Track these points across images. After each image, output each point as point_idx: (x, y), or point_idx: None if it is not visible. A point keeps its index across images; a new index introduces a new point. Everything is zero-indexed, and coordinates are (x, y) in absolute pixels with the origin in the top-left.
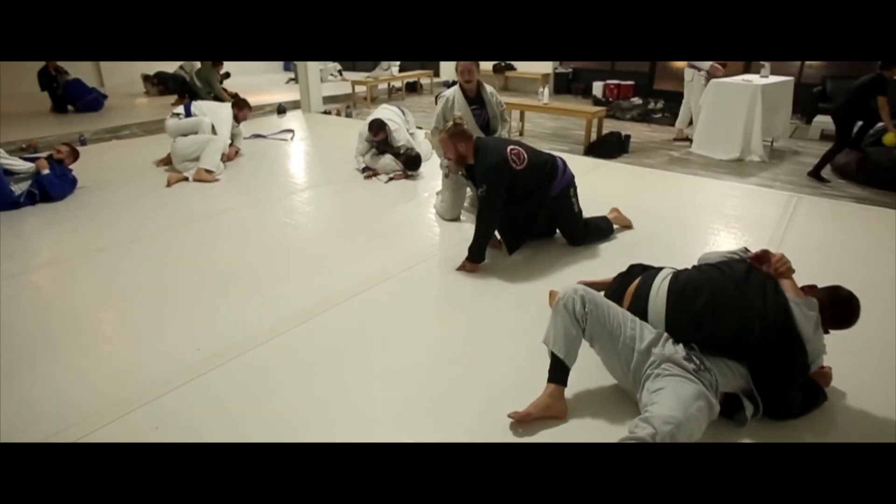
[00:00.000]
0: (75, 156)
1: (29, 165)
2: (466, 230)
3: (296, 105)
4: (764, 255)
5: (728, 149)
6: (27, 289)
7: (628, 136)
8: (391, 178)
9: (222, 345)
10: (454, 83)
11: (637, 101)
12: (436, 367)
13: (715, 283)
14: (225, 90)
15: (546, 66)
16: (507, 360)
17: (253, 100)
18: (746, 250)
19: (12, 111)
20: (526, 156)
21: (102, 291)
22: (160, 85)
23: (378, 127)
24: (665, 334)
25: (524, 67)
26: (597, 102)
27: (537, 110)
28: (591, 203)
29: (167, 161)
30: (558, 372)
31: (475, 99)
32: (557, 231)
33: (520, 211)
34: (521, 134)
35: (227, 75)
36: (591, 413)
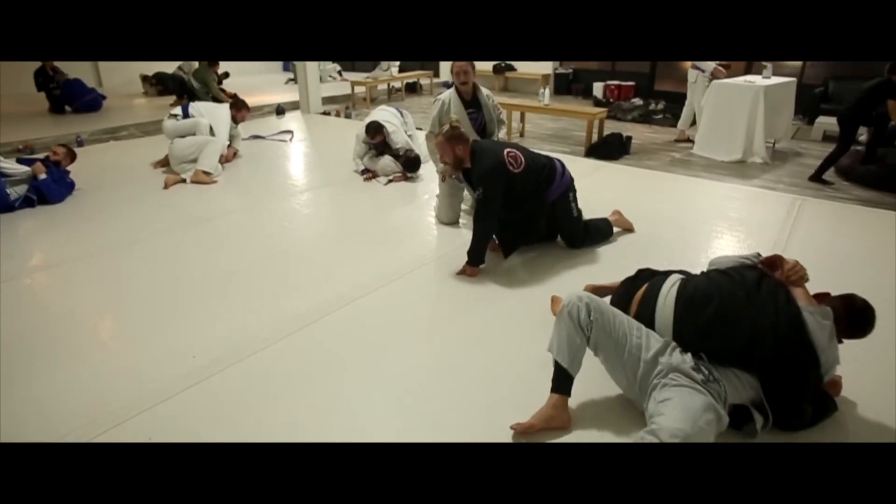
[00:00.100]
0: (72, 157)
1: (25, 169)
2: (466, 234)
3: (295, 106)
4: (776, 261)
5: (730, 150)
6: (22, 293)
7: (630, 138)
8: (391, 180)
9: (219, 351)
10: (453, 84)
11: (638, 101)
12: (436, 374)
13: (725, 290)
14: (224, 90)
15: (546, 67)
16: (509, 367)
17: (252, 100)
18: (759, 255)
19: (10, 111)
20: (523, 159)
21: (98, 296)
22: (159, 85)
23: (375, 129)
24: (672, 343)
25: (524, 68)
26: (597, 103)
27: (538, 111)
28: (593, 205)
29: (165, 162)
30: (562, 381)
31: (471, 102)
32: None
33: (516, 214)
34: (521, 135)
35: (226, 75)
36: (595, 424)
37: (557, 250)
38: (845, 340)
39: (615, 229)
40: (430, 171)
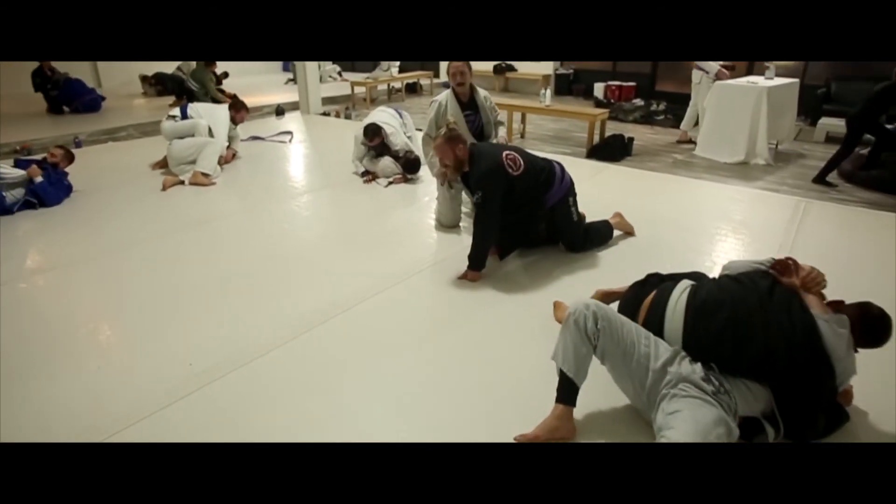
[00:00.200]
0: (70, 159)
1: (20, 172)
2: (466, 237)
3: (295, 106)
4: (789, 266)
5: (733, 152)
6: (19, 297)
7: (631, 139)
8: (391, 182)
9: (218, 357)
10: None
11: (639, 102)
12: (438, 380)
13: (737, 298)
14: (223, 91)
15: (547, 67)
16: (511, 374)
17: (251, 101)
18: (773, 260)
19: (8, 112)
20: (522, 162)
21: (95, 300)
22: (158, 85)
23: (373, 132)
24: (682, 352)
25: (525, 68)
26: (598, 104)
27: (539, 112)
28: (594, 207)
29: (163, 164)
30: (567, 391)
31: (468, 104)
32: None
33: (514, 217)
34: (522, 136)
35: (226, 75)
36: (601, 435)
37: (558, 254)
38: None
39: (616, 232)
40: (430, 173)
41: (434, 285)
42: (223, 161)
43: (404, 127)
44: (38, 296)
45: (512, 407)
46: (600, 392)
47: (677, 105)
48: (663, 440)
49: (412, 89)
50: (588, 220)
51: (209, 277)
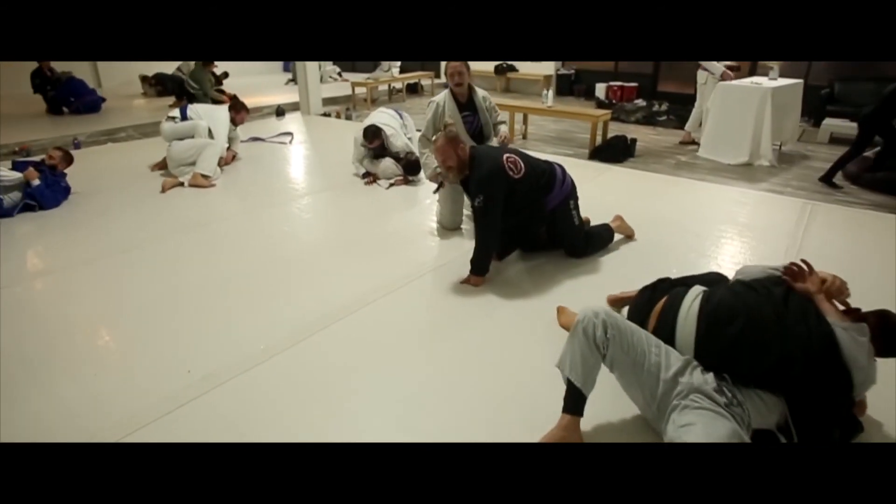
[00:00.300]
0: (69, 160)
1: (17, 175)
2: (469, 240)
3: (295, 107)
4: (802, 271)
5: (736, 153)
6: (15, 301)
7: (634, 140)
8: (392, 184)
9: (219, 363)
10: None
11: (641, 103)
12: (440, 388)
13: (751, 307)
14: (223, 91)
15: (548, 68)
16: (515, 381)
17: (251, 101)
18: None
19: (7, 113)
20: (523, 164)
21: (92, 306)
22: (158, 86)
23: (373, 134)
24: (693, 361)
25: (526, 69)
26: (600, 104)
27: (541, 113)
28: (597, 209)
29: (163, 165)
30: (574, 401)
31: (467, 104)
32: None
33: (514, 220)
34: (524, 137)
35: (226, 75)
36: None
37: (561, 259)
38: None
39: (617, 236)
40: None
41: (436, 290)
42: (223, 163)
43: (405, 128)
44: (36, 300)
45: (516, 413)
46: (608, 401)
47: (679, 106)
48: None
49: (413, 90)
50: (592, 222)
51: (209, 281)
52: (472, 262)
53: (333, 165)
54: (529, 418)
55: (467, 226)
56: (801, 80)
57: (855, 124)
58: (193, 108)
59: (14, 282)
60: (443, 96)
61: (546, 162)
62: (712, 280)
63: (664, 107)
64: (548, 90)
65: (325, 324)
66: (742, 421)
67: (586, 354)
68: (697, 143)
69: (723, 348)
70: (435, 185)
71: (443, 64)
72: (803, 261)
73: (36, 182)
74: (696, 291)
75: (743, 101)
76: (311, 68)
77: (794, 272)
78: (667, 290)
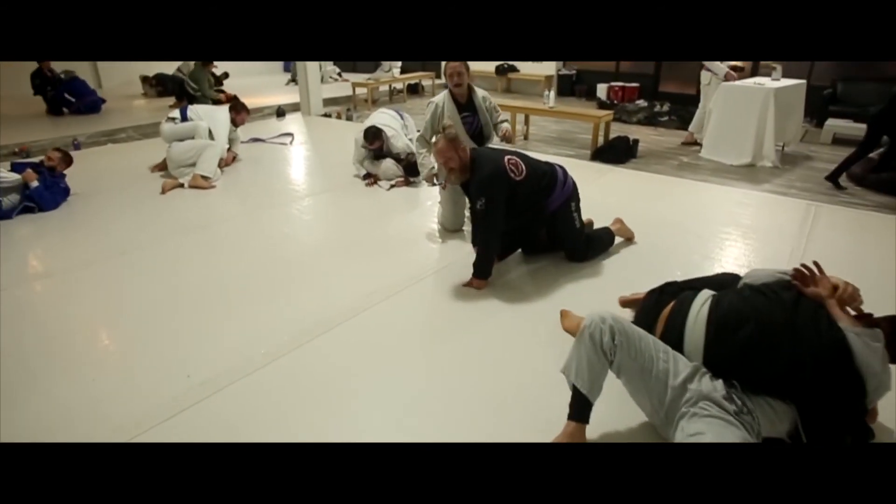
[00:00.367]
0: (68, 162)
1: (15, 177)
2: (471, 242)
3: (295, 108)
4: (813, 274)
5: (739, 154)
6: (13, 305)
7: (636, 141)
8: (393, 186)
9: (219, 368)
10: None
11: (642, 103)
12: (442, 392)
13: (762, 312)
14: (224, 92)
15: (549, 68)
16: (519, 386)
17: (252, 102)
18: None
19: (7, 113)
20: (524, 166)
21: (90, 309)
22: (159, 86)
23: (374, 135)
24: (702, 368)
25: (527, 69)
26: (601, 105)
27: (542, 114)
28: (600, 211)
29: (162, 167)
30: (580, 408)
31: (466, 105)
32: None
33: (516, 222)
34: (525, 138)
35: (226, 76)
36: None
37: (563, 262)
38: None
39: (617, 239)
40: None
41: (438, 293)
42: (223, 164)
43: (406, 129)
44: (36, 302)
45: (520, 418)
46: (614, 407)
47: (681, 106)
48: None
49: (414, 90)
50: (595, 224)
51: (209, 283)
52: (475, 265)
53: (334, 166)
54: (533, 423)
55: (468, 227)
56: (803, 81)
57: (858, 125)
58: (193, 109)
59: (13, 284)
60: (442, 97)
61: (547, 163)
62: (723, 282)
63: (666, 107)
64: (549, 91)
65: (326, 327)
66: (752, 429)
67: (593, 361)
68: (700, 144)
69: (732, 354)
70: (432, 185)
71: (443, 64)
72: (815, 263)
73: (35, 184)
74: (705, 296)
75: (746, 101)
76: (311, 69)
77: (804, 276)
78: (675, 294)
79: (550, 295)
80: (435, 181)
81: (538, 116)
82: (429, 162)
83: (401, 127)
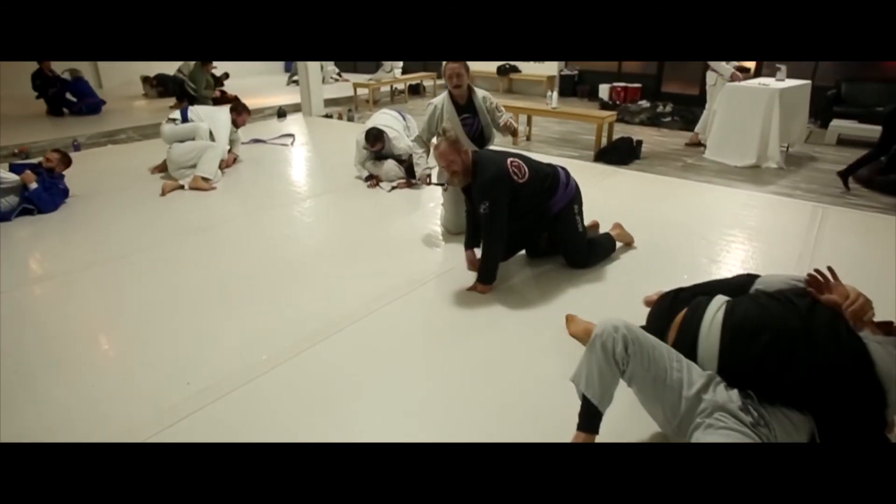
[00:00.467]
0: (67, 163)
1: (14, 178)
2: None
3: (296, 108)
4: (827, 280)
5: (744, 155)
6: (10, 308)
7: (640, 142)
8: (394, 187)
9: (220, 375)
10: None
11: (645, 104)
12: (446, 399)
13: (779, 319)
14: (224, 93)
15: (551, 68)
16: (524, 392)
17: (252, 103)
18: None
19: (8, 114)
20: (526, 168)
21: (89, 314)
22: (160, 87)
23: (375, 137)
24: (717, 377)
25: (529, 69)
26: (603, 105)
27: (545, 115)
28: (604, 213)
29: (163, 168)
30: (590, 419)
31: (466, 107)
32: None
33: (517, 225)
34: (528, 139)
35: (226, 76)
36: None
37: (567, 266)
38: None
39: (617, 244)
40: (435, 176)
41: (442, 297)
42: (224, 165)
43: (408, 130)
44: (34, 305)
45: (524, 425)
46: (625, 415)
47: (684, 107)
48: None
49: (415, 91)
50: (601, 226)
51: (209, 286)
52: (480, 270)
53: (335, 167)
54: (538, 430)
55: None
56: (808, 81)
57: (863, 126)
58: (194, 110)
59: (12, 287)
60: (441, 99)
61: (549, 165)
62: (738, 285)
63: (668, 108)
64: (552, 91)
65: (328, 333)
66: (769, 442)
67: (604, 370)
68: (704, 145)
69: (748, 362)
70: (427, 185)
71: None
72: (829, 269)
73: (34, 185)
74: (719, 302)
75: (750, 102)
76: (312, 69)
77: (819, 283)
78: (687, 301)
79: (555, 300)
80: (429, 181)
81: (540, 117)
82: (423, 162)
83: (403, 128)
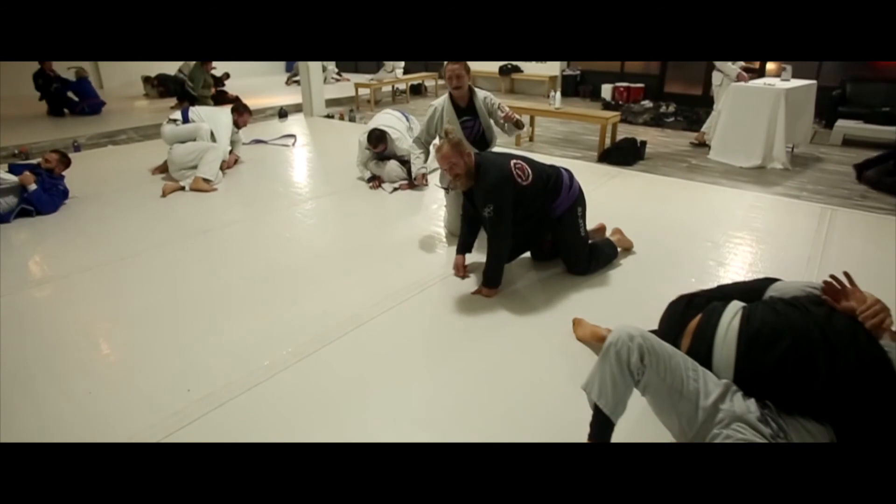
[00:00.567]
0: (66, 164)
1: (12, 179)
2: (477, 246)
3: (298, 108)
4: (844, 287)
5: (749, 156)
6: (8, 312)
7: (644, 143)
8: (396, 189)
9: (219, 382)
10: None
11: (647, 104)
12: (451, 406)
13: (797, 327)
14: (225, 93)
15: (553, 68)
16: (530, 397)
17: (253, 103)
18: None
19: (8, 114)
20: (530, 171)
21: (87, 318)
22: (161, 87)
23: (377, 138)
24: (733, 386)
25: (531, 69)
26: (606, 105)
27: (548, 115)
28: (608, 215)
29: (163, 169)
30: (602, 429)
31: (466, 108)
32: None
33: (520, 228)
34: (531, 139)
35: (227, 76)
36: None
37: None
38: None
39: (618, 249)
40: (435, 178)
41: (446, 301)
42: (225, 166)
43: (410, 131)
44: (33, 309)
45: (530, 430)
46: (636, 422)
47: (687, 107)
48: None
49: (417, 91)
50: (606, 227)
51: (210, 289)
52: (485, 273)
53: (337, 168)
54: (548, 437)
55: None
56: (814, 81)
57: (869, 126)
58: (195, 111)
59: (10, 290)
60: (441, 101)
61: (552, 166)
62: (753, 289)
63: (672, 108)
64: (555, 91)
65: (330, 338)
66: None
67: (617, 380)
68: (709, 145)
69: (766, 371)
70: (423, 184)
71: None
72: (845, 274)
73: (33, 186)
74: (735, 308)
75: (756, 102)
76: (314, 69)
77: (836, 290)
78: (702, 307)
79: (561, 303)
80: (426, 181)
81: (543, 117)
82: (419, 162)
83: (406, 129)
